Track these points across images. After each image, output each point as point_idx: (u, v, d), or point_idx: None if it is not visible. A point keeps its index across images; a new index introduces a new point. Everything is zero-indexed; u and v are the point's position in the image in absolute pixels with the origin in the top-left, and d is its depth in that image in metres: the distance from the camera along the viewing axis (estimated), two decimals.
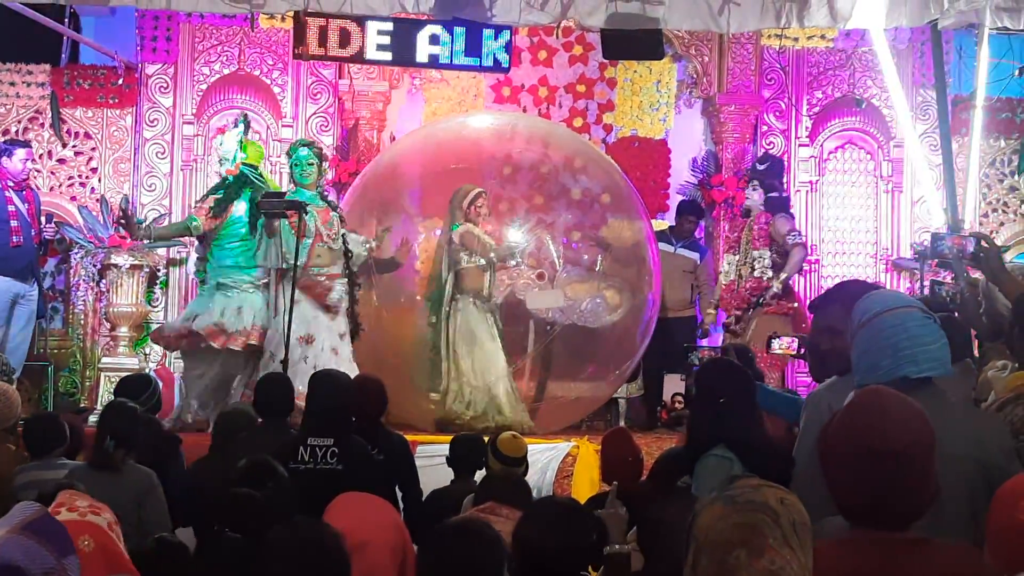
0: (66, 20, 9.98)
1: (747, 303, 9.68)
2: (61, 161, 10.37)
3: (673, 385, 4.15)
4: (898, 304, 3.22)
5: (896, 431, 2.38)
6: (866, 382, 3.09)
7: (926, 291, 9.32)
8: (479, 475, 5.66)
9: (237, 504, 4.07)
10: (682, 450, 4.72)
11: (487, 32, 8.42)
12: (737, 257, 9.51)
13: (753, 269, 9.76)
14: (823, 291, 4.02)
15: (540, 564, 3.33)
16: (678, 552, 2.33)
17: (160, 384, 7.22)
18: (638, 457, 5.54)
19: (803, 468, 3.23)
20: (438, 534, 3.18)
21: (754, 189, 9.41)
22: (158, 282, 10.23)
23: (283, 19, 10.01)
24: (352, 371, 7.81)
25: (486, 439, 5.77)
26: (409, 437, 6.86)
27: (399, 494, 5.79)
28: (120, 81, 10.30)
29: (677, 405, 4.09)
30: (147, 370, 9.55)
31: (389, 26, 8.43)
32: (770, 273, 9.41)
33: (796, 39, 10.69)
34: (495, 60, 8.51)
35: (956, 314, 5.63)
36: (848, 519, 2.41)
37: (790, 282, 9.81)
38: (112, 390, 9.03)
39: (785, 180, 10.43)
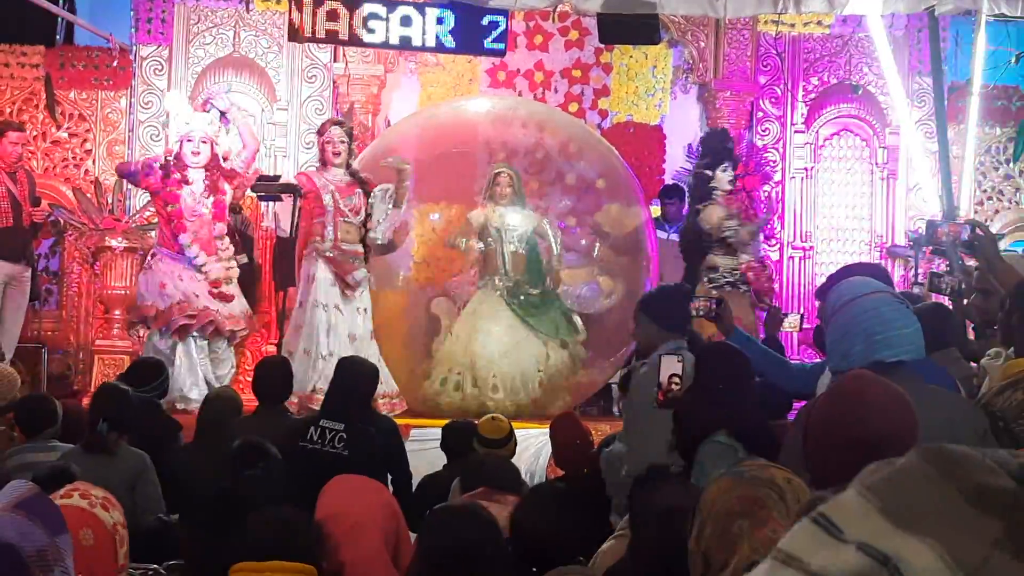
0: (60, 1, 9.94)
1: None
2: (55, 143, 10.33)
3: (670, 366, 4.11)
4: (870, 290, 3.22)
5: (877, 419, 2.34)
6: (840, 368, 3.08)
7: (920, 278, 9.34)
8: None
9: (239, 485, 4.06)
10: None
11: (483, 17, 8.42)
12: None
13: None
14: (827, 278, 4.00)
15: (537, 549, 3.33)
16: (670, 535, 2.33)
17: (170, 370, 7.23)
18: (587, 440, 5.65)
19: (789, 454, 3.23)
20: (437, 518, 3.18)
21: (723, 170, 9.48)
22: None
23: (278, 1, 9.98)
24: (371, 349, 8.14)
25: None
26: (402, 421, 6.87)
27: (388, 477, 5.81)
28: (114, 63, 10.24)
29: (673, 386, 4.05)
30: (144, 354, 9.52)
31: (385, 9, 8.41)
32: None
33: (793, 25, 10.66)
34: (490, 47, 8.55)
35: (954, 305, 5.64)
36: None
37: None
38: (103, 371, 9.05)
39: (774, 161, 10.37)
